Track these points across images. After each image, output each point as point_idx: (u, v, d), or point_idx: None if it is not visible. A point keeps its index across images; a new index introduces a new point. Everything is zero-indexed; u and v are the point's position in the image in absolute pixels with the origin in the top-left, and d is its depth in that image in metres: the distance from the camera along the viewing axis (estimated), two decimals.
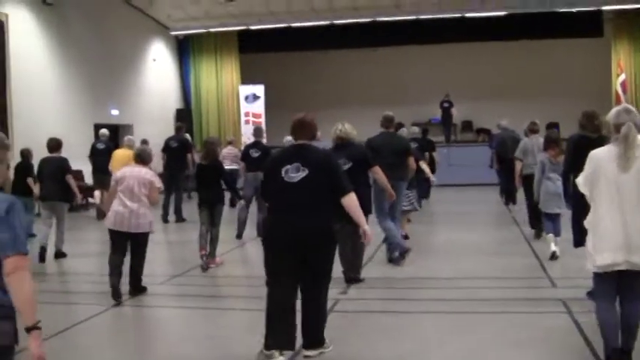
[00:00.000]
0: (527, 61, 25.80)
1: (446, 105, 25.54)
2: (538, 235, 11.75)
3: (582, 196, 5.39)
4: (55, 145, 11.74)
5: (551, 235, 9.91)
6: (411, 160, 10.32)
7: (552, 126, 14.25)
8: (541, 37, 24.39)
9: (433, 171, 15.57)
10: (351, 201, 5.96)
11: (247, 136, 24.39)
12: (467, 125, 27.73)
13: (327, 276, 6.07)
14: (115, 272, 8.25)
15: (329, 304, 6.41)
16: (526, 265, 9.80)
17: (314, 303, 5.98)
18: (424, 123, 25.35)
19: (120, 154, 14.84)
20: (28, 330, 3.42)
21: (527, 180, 11.81)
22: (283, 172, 5.93)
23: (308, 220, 5.82)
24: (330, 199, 5.96)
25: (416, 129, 17.09)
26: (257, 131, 14.38)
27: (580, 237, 6.37)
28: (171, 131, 23.53)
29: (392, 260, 10.06)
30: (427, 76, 26.62)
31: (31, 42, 18.49)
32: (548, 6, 23.25)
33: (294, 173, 5.90)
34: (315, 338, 6.00)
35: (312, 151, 6.10)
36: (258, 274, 6.55)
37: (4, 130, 16.90)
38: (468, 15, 23.79)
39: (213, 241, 10.42)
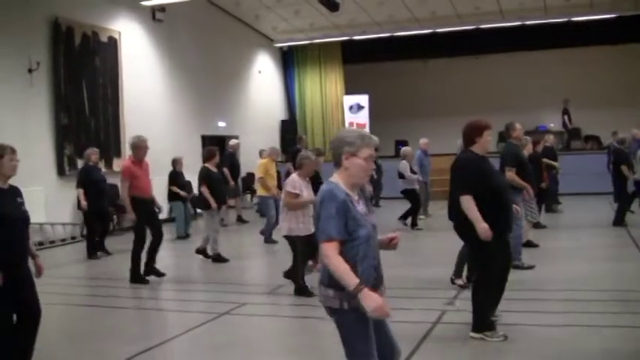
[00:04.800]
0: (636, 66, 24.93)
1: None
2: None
3: None
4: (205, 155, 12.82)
5: None
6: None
7: None
8: None
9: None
10: (462, 201, 6.58)
11: None
12: (575, 133, 26.95)
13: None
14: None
15: (435, 314, 7.57)
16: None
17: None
18: (531, 131, 24.88)
19: (270, 165, 14.59)
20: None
21: None
22: None
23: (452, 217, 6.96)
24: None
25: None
26: None
27: None
28: (276, 142, 23.97)
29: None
30: (531, 83, 26.14)
31: (141, 57, 19.22)
32: None
33: None
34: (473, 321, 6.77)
35: (458, 156, 7.13)
36: None
37: (117, 140, 17.61)
38: (574, 19, 23.21)
39: None
